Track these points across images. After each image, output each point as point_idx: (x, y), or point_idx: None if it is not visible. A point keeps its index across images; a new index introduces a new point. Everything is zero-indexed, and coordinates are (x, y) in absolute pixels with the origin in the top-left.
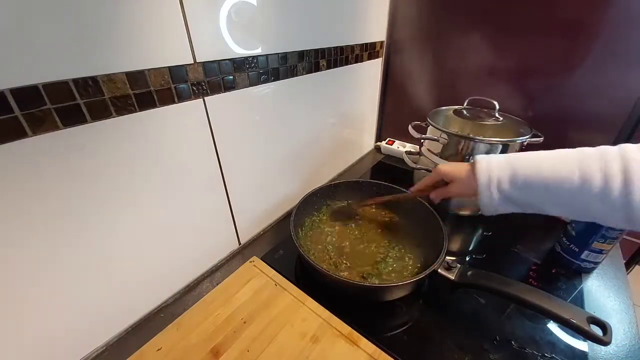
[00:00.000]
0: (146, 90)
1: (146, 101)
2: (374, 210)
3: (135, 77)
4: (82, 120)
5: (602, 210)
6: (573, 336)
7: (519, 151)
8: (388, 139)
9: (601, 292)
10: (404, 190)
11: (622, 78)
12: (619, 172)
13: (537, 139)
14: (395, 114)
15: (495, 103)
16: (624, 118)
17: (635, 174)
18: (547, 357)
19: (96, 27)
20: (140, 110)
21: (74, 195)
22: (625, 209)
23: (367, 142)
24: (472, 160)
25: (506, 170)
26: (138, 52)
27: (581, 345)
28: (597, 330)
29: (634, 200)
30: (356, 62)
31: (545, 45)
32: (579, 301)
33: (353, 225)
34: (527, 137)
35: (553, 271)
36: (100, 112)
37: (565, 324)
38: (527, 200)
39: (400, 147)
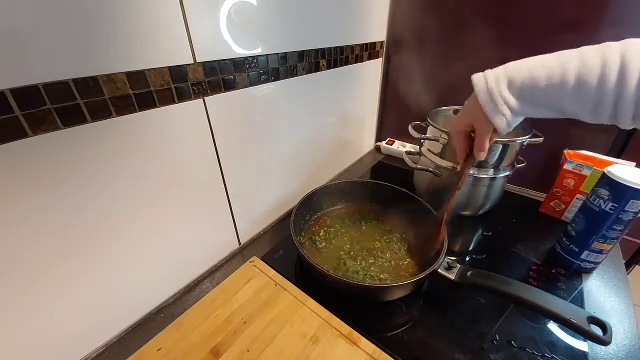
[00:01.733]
0: (146, 90)
1: (146, 101)
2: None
3: (135, 77)
4: (82, 120)
5: (592, 105)
6: (573, 336)
7: (519, 151)
8: (388, 139)
9: (601, 292)
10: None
11: None
12: (617, 59)
13: (537, 138)
14: (395, 114)
15: None
16: None
17: (631, 59)
18: (547, 357)
19: (96, 27)
20: (140, 110)
21: (73, 195)
22: (615, 99)
23: (367, 142)
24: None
25: (502, 77)
26: (138, 52)
27: (581, 345)
28: (597, 330)
29: (627, 86)
30: (356, 62)
31: (546, 44)
32: (579, 301)
33: (352, 225)
34: (527, 137)
35: (553, 271)
36: (100, 112)
37: (565, 324)
38: (527, 112)
39: (400, 147)
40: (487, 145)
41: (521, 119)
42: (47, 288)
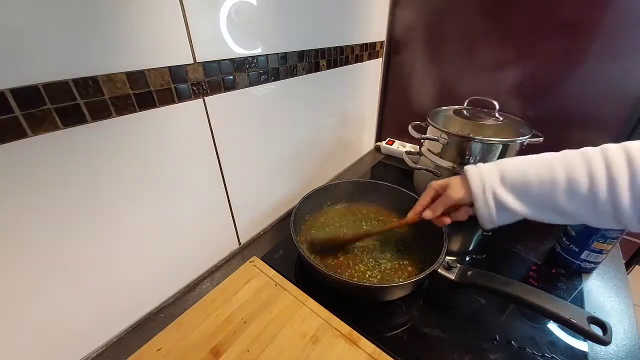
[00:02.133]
0: (146, 90)
1: (146, 101)
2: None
3: (135, 77)
4: (82, 121)
5: (591, 213)
6: (573, 336)
7: (519, 151)
8: (388, 139)
9: (601, 292)
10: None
11: (621, 78)
12: (603, 174)
13: (537, 139)
14: (395, 114)
15: (495, 103)
16: (624, 118)
17: (618, 174)
18: (547, 357)
19: (96, 27)
20: (140, 110)
21: (73, 196)
22: (613, 210)
23: (367, 142)
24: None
25: (496, 175)
26: (138, 52)
27: (581, 345)
28: (597, 330)
29: (621, 201)
30: (356, 62)
31: (546, 45)
32: (579, 301)
33: (353, 225)
34: (527, 137)
35: (553, 271)
36: (100, 112)
37: (565, 324)
38: (523, 209)
39: (400, 147)
40: (445, 220)
41: (516, 217)
42: (46, 288)
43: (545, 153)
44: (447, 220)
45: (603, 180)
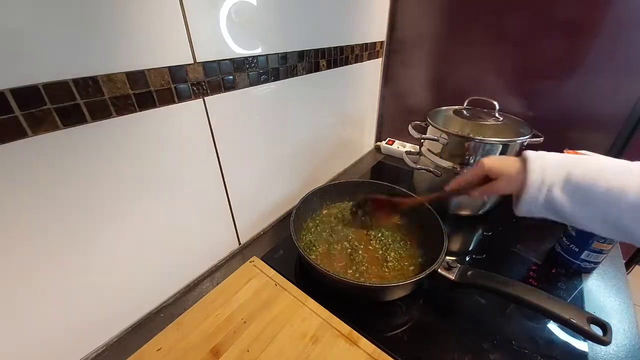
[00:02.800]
0: (146, 90)
1: (146, 101)
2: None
3: (135, 77)
4: (82, 121)
5: None
6: (573, 336)
7: (519, 151)
8: (388, 138)
9: (601, 292)
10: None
11: (622, 79)
12: None
13: (537, 139)
14: (395, 114)
15: (495, 103)
16: (623, 118)
17: None
18: (547, 357)
19: (96, 27)
20: (140, 110)
21: (73, 196)
22: None
23: (367, 142)
24: (522, 156)
25: (561, 172)
26: (138, 52)
27: (581, 345)
28: (597, 330)
29: None
30: (356, 62)
31: (546, 45)
32: (579, 301)
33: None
34: (527, 137)
35: (553, 271)
36: (100, 112)
37: (565, 324)
38: (573, 212)
39: (400, 147)
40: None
41: (559, 216)
42: (45, 287)
43: (622, 160)
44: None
45: None
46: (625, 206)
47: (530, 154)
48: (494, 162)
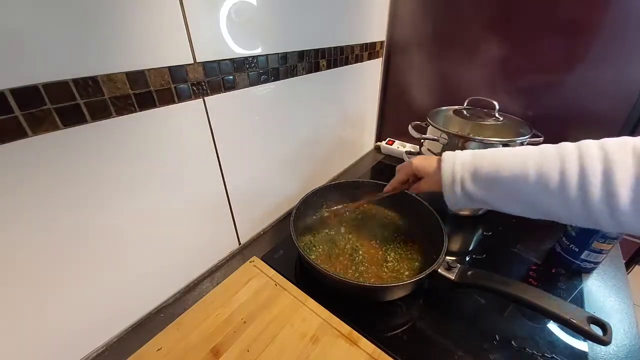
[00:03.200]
0: (146, 90)
1: (146, 101)
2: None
3: (135, 77)
4: (82, 121)
5: (562, 210)
6: (573, 336)
7: None
8: (388, 139)
9: (601, 292)
10: (381, 185)
11: (622, 77)
12: (575, 171)
13: (537, 138)
14: (395, 114)
15: (495, 103)
16: (624, 117)
17: (590, 171)
18: (547, 357)
19: (96, 27)
20: (140, 110)
21: (73, 196)
22: (585, 207)
23: (367, 142)
24: (441, 156)
25: (469, 169)
26: (138, 52)
27: (581, 345)
28: (597, 330)
29: (592, 199)
30: (356, 62)
31: (546, 44)
32: (579, 301)
33: (353, 225)
34: (527, 137)
35: (553, 271)
36: (100, 112)
37: (565, 324)
38: (488, 200)
39: (400, 147)
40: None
41: (480, 204)
42: (46, 288)
43: (526, 147)
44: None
45: (575, 176)
46: (530, 186)
47: (445, 154)
48: (420, 161)
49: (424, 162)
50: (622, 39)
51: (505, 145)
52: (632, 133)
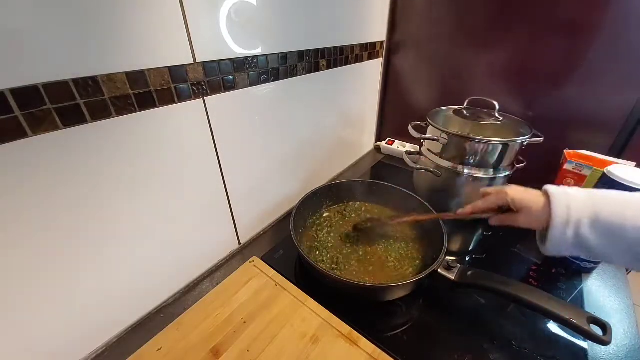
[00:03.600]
0: (146, 90)
1: (146, 101)
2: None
3: (135, 77)
4: (82, 121)
5: None
6: (573, 336)
7: (519, 151)
8: (388, 139)
9: (601, 292)
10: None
11: (622, 79)
12: None
13: (537, 139)
14: (395, 114)
15: (495, 103)
16: (623, 119)
17: None
18: (547, 357)
19: (96, 27)
20: (140, 110)
21: (73, 196)
22: None
23: (367, 142)
24: (544, 190)
25: (587, 211)
26: (138, 52)
27: (581, 345)
28: (597, 330)
29: None
30: (356, 62)
31: (546, 45)
32: (579, 301)
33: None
34: (527, 137)
35: (553, 271)
36: (100, 112)
37: (565, 324)
38: (604, 250)
39: (400, 147)
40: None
41: (589, 253)
42: (46, 288)
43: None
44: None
45: None
46: None
47: (552, 189)
48: (517, 193)
49: (524, 195)
50: (623, 41)
51: (505, 145)
52: (632, 134)
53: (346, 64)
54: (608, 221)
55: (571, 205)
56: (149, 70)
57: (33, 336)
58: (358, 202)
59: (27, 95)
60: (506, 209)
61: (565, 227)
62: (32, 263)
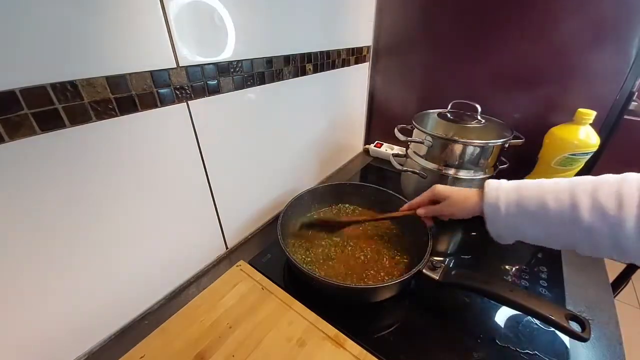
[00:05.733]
0: (127, 95)
1: (127, 105)
2: (359, 209)
3: (116, 82)
4: (60, 125)
5: (591, 241)
6: (555, 333)
7: (501, 152)
8: (376, 141)
9: (583, 289)
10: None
11: (597, 84)
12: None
13: (518, 140)
14: (383, 117)
15: (477, 106)
16: (604, 121)
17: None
18: (529, 353)
19: (75, 31)
20: (121, 115)
21: (53, 201)
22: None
23: (356, 144)
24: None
25: (513, 193)
26: (119, 56)
27: (563, 341)
28: (575, 327)
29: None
30: (343, 66)
31: (529, 50)
32: (561, 298)
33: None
34: (508, 138)
35: (535, 269)
36: (79, 116)
37: (545, 321)
38: (534, 232)
39: (388, 149)
40: (429, 222)
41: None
42: (22, 296)
43: (557, 180)
44: (431, 223)
45: (612, 206)
46: (559, 223)
47: (488, 181)
48: (443, 187)
49: (448, 188)
50: (606, 45)
51: (487, 146)
52: (609, 136)
53: (333, 68)
54: (529, 201)
55: (500, 187)
56: (130, 74)
57: (9, 345)
58: (346, 204)
59: (3, 100)
60: (435, 202)
61: (497, 203)
62: (9, 271)
